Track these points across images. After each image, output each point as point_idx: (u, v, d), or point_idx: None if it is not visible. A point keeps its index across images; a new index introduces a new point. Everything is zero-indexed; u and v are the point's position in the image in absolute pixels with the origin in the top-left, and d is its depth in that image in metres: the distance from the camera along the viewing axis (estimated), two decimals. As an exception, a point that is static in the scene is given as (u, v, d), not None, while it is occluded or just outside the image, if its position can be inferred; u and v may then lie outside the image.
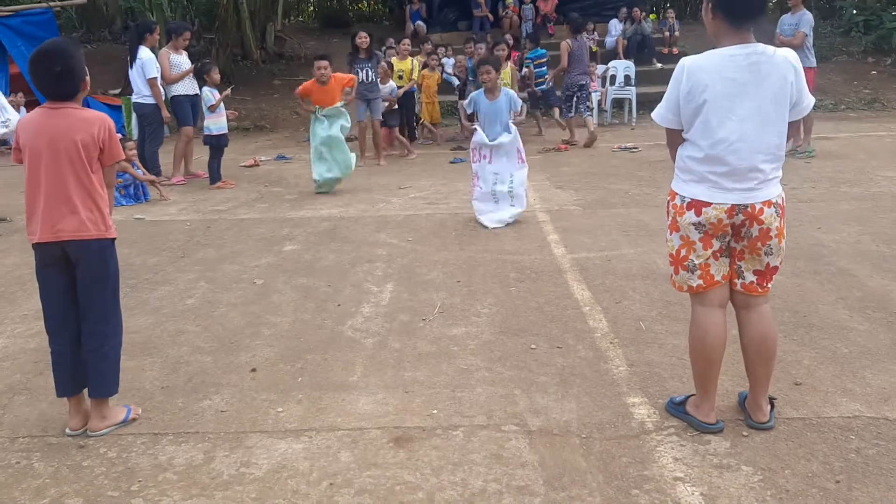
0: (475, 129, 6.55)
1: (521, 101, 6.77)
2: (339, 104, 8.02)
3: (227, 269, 5.48)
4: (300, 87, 8.46)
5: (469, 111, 6.74)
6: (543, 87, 11.87)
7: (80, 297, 3.12)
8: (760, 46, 2.83)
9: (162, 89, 8.92)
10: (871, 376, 3.46)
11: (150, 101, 8.86)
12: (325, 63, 8.17)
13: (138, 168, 8.22)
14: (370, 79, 9.71)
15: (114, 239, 3.20)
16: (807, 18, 9.03)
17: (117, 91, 14.27)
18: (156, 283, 5.23)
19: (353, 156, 8.16)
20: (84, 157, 3.03)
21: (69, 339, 3.15)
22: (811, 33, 9.12)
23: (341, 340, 4.12)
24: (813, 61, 9.12)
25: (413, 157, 10.45)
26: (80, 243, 3.06)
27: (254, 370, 3.77)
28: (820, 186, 7.57)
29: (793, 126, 2.93)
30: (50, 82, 3.04)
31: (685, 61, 2.93)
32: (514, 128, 6.54)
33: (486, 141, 6.43)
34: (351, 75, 8.65)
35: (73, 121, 3.04)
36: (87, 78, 3.15)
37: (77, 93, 3.10)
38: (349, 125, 8.17)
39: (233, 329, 4.34)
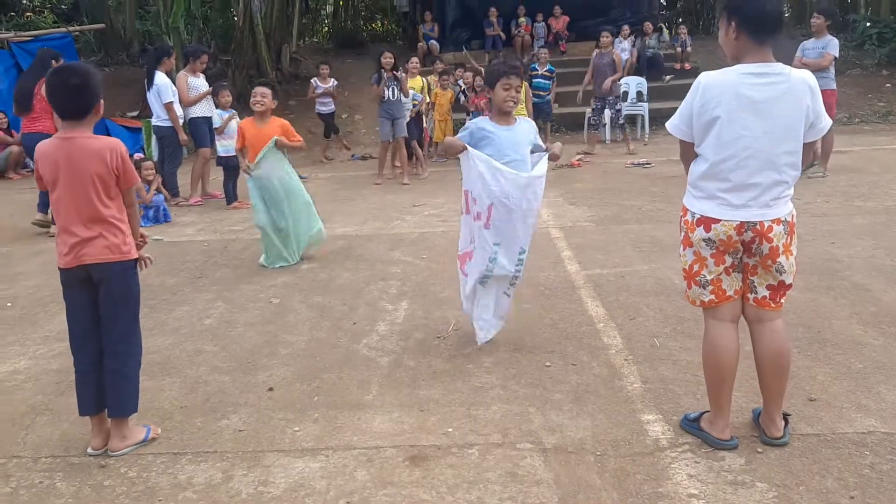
0: (464, 146, 3.92)
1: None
2: (270, 144, 6.01)
3: (244, 289, 5.55)
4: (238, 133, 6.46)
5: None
6: (548, 98, 12.17)
7: (103, 318, 3.19)
8: (779, 66, 2.86)
9: (181, 111, 9.06)
10: (885, 391, 3.46)
11: (168, 123, 9.01)
12: (264, 90, 6.34)
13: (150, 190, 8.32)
14: (396, 96, 9.82)
15: (136, 260, 3.27)
16: (835, 43, 8.88)
17: (135, 113, 14.48)
18: (174, 303, 5.30)
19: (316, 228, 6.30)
20: (100, 186, 3.11)
21: (93, 358, 3.21)
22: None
23: (357, 359, 4.16)
24: (834, 84, 8.94)
25: (425, 176, 10.53)
26: (103, 266, 3.13)
27: (271, 389, 3.81)
28: (833, 200, 7.55)
29: (808, 147, 2.95)
30: (66, 95, 3.10)
31: (702, 77, 2.96)
32: (544, 162, 4.05)
33: (497, 164, 3.84)
34: (298, 137, 6.46)
35: (86, 151, 3.10)
36: (102, 102, 3.20)
37: (90, 111, 3.14)
38: (290, 171, 6.28)
39: (250, 348, 4.39)
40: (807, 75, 2.89)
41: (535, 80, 12.32)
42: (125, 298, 3.21)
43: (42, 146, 3.23)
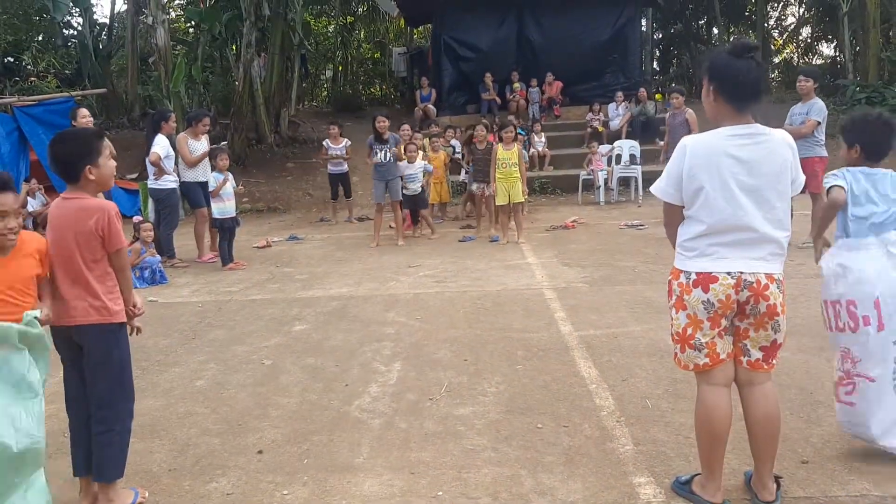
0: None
1: None
2: (32, 315, 2.89)
3: (237, 350, 5.54)
4: None
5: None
6: None
7: (86, 381, 3.19)
8: (760, 127, 2.94)
9: (171, 172, 9.19)
10: (878, 454, 3.43)
11: (165, 186, 9.15)
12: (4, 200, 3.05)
13: (146, 251, 8.32)
14: (387, 159, 9.91)
15: (121, 323, 3.24)
16: (818, 107, 8.47)
17: (134, 175, 14.65)
18: (166, 364, 5.28)
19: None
20: (84, 246, 3.13)
21: (84, 419, 3.21)
22: (825, 122, 8.50)
23: (348, 421, 4.14)
24: (823, 150, 8.53)
25: (435, 237, 10.58)
26: (83, 328, 3.14)
27: (260, 452, 3.78)
28: (826, 261, 7.58)
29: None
30: (51, 161, 3.18)
31: (687, 140, 3.03)
32: None
33: None
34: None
35: (75, 211, 3.14)
36: (93, 168, 3.19)
37: (77, 177, 3.17)
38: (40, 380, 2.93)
39: (241, 410, 4.37)
40: (785, 135, 2.99)
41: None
42: (105, 362, 3.18)
43: (52, 205, 3.29)
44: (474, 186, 10.57)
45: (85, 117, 8.23)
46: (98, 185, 3.26)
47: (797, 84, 8.88)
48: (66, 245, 3.13)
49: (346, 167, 12.31)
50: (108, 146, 3.34)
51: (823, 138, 8.59)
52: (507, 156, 9.66)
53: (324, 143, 12.42)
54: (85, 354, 3.17)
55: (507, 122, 10.58)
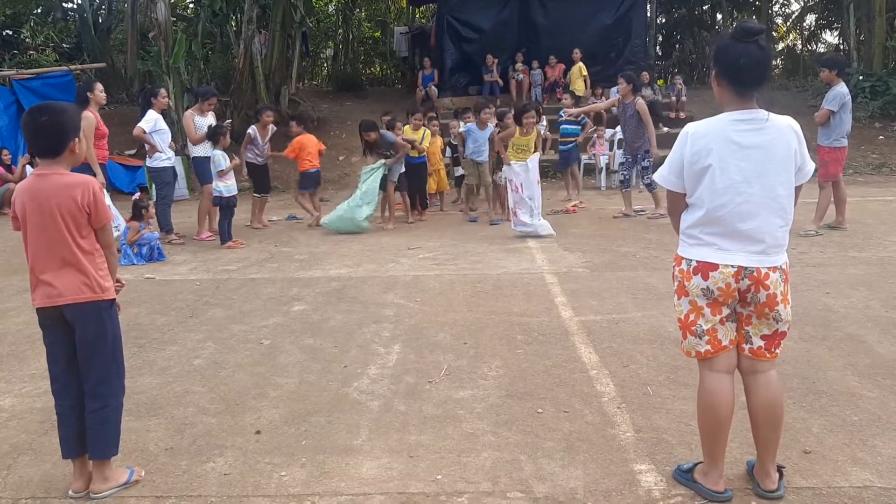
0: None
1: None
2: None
3: (235, 330, 5.50)
4: None
5: None
6: (570, 146, 12.23)
7: (80, 360, 3.13)
8: (763, 112, 2.89)
9: (163, 147, 9.12)
10: (881, 445, 3.42)
11: (158, 164, 9.10)
12: None
13: (144, 227, 8.25)
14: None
15: (112, 300, 3.19)
16: (831, 94, 8.28)
17: (132, 152, 14.56)
18: (164, 342, 5.25)
19: None
20: (71, 223, 3.05)
21: (73, 400, 3.16)
22: (846, 111, 8.27)
23: (346, 403, 4.11)
24: (829, 141, 8.35)
25: (411, 222, 10.42)
26: (76, 306, 3.08)
27: (258, 432, 3.75)
28: (828, 251, 7.57)
29: (796, 190, 2.97)
30: (38, 134, 3.07)
31: (689, 127, 2.99)
32: None
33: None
34: None
35: (57, 187, 3.05)
36: (78, 142, 3.12)
37: (62, 150, 3.08)
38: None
39: (239, 390, 4.33)
40: (790, 121, 2.93)
41: (563, 127, 12.41)
42: (100, 340, 3.13)
43: (21, 184, 3.19)
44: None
45: (102, 91, 8.27)
46: (76, 160, 3.18)
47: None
48: (53, 223, 3.04)
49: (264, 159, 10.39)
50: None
51: (840, 127, 8.35)
52: (525, 141, 9.05)
53: (249, 130, 10.25)
54: (78, 333, 3.11)
55: (529, 106, 9.48)
